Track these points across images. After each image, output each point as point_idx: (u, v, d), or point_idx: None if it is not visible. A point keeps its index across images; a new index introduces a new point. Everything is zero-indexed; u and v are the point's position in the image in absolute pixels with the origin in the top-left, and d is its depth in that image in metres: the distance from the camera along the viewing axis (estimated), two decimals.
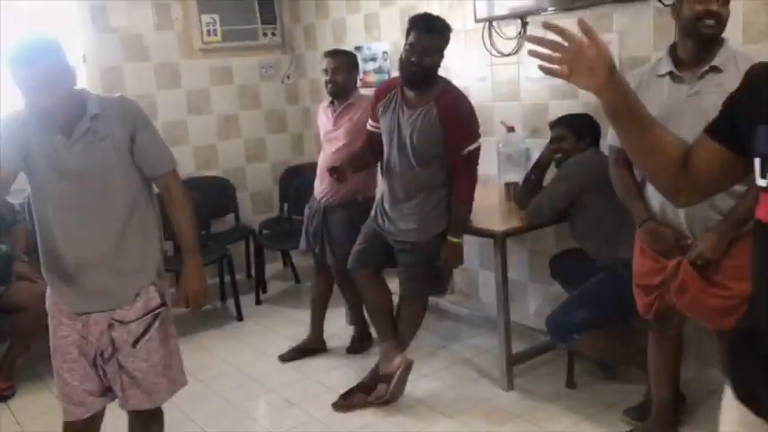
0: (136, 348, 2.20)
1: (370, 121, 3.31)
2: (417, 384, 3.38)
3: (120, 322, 2.19)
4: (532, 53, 1.30)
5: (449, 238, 3.09)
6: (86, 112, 2.11)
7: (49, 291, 2.24)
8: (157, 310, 2.24)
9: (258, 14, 5.26)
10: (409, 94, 3.10)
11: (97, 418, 2.28)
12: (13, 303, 3.63)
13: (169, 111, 5.06)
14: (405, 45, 3.01)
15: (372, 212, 3.37)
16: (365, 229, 3.36)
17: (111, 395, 2.28)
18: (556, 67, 1.28)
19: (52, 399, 3.58)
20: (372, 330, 3.81)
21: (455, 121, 3.02)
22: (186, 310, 2.34)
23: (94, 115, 2.11)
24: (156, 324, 2.24)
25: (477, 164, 3.10)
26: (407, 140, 3.07)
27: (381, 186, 3.35)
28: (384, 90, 3.23)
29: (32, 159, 2.10)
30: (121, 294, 2.19)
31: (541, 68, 1.30)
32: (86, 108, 2.12)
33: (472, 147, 3.05)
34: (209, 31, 5.08)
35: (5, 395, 3.60)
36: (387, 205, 3.23)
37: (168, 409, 2.44)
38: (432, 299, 3.51)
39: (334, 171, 3.18)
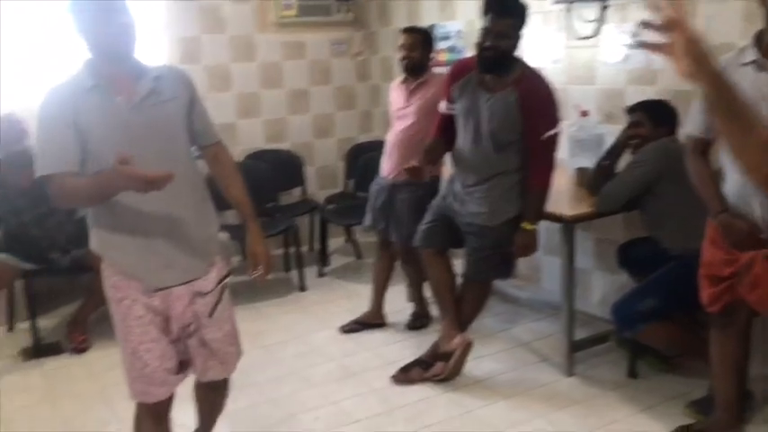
0: (212, 318, 2.19)
1: (444, 103, 3.25)
2: (476, 365, 3.39)
3: (200, 294, 2.15)
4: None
5: (523, 224, 3.05)
6: (147, 73, 2.04)
7: (109, 273, 2.09)
8: (226, 279, 2.25)
9: None
10: (487, 77, 3.04)
11: (172, 398, 2.23)
12: (88, 262, 3.79)
13: (242, 83, 5.15)
14: (481, 28, 2.99)
15: (442, 191, 3.37)
16: (433, 208, 3.37)
17: (186, 372, 2.25)
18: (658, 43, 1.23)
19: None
20: (432, 309, 3.86)
21: (536, 105, 2.97)
22: (252, 277, 2.29)
23: (157, 76, 2.05)
24: (226, 293, 2.25)
25: (556, 149, 3.04)
26: (485, 124, 3.03)
27: (451, 167, 3.33)
28: (459, 70, 3.16)
29: (89, 130, 1.95)
30: (199, 265, 2.15)
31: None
32: (145, 69, 2.06)
33: (552, 132, 2.99)
34: (285, 5, 5.14)
35: (81, 348, 3.78)
36: (457, 187, 3.22)
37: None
38: (494, 283, 3.50)
39: (412, 171, 3.18)
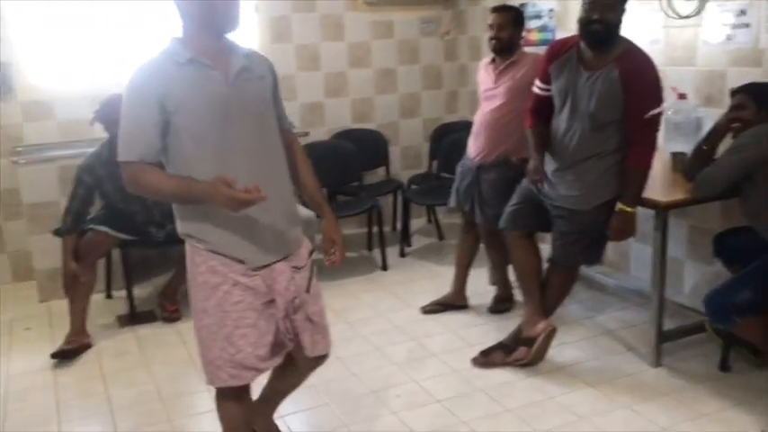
0: (309, 294, 2.19)
1: (538, 83, 3.17)
2: (559, 351, 3.35)
3: (296, 268, 2.14)
4: None
5: (621, 206, 2.94)
6: (237, 49, 2.04)
7: (204, 258, 2.03)
8: (313, 254, 2.28)
9: None
10: (587, 54, 2.95)
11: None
12: (178, 236, 3.93)
13: (331, 62, 5.21)
14: (583, 3, 2.89)
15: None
16: (521, 190, 3.32)
17: (280, 355, 2.18)
18: None
19: None
20: (515, 293, 3.82)
21: (639, 83, 2.85)
22: (327, 261, 2.29)
23: (246, 54, 2.06)
24: (314, 268, 2.26)
25: (658, 130, 2.93)
26: (584, 104, 2.94)
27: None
28: (558, 50, 3.07)
29: (182, 104, 1.93)
30: (294, 240, 2.15)
31: None
32: (235, 45, 2.05)
33: (655, 111, 2.88)
34: None
35: (173, 318, 3.94)
36: (548, 168, 3.17)
37: None
38: (580, 269, 3.43)
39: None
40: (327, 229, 2.29)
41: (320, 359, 2.33)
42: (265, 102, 2.09)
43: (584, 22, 2.89)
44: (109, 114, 3.61)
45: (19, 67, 4.42)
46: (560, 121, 3.07)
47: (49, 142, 4.48)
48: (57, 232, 3.73)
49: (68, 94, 4.54)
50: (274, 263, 2.08)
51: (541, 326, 3.19)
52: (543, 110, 3.17)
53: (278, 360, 2.17)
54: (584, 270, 3.93)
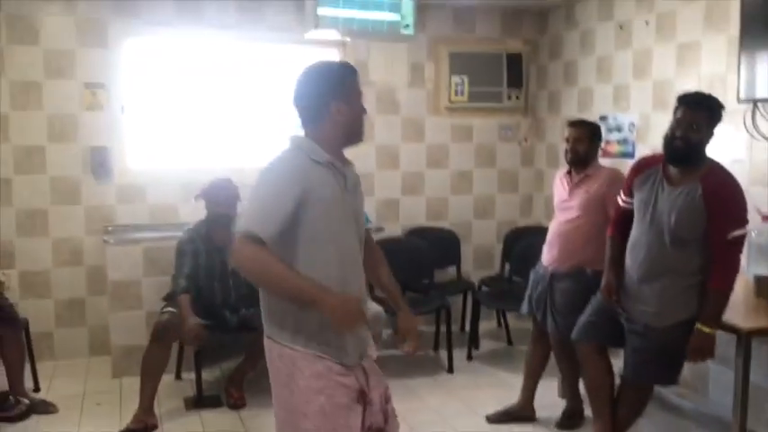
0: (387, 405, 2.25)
1: (622, 197, 3.20)
2: None
3: (374, 360, 2.25)
4: None
5: (700, 326, 2.86)
6: (350, 161, 2.20)
7: (307, 363, 2.05)
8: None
9: (505, 78, 5.43)
10: (672, 170, 2.96)
11: None
12: (253, 323, 4.01)
13: (410, 162, 5.36)
14: (671, 121, 2.93)
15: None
16: (596, 302, 3.27)
17: None
18: None
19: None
20: (586, 408, 3.69)
21: (723, 202, 2.84)
22: (403, 351, 2.30)
23: (351, 163, 2.20)
24: None
25: (741, 251, 2.88)
26: (664, 218, 2.93)
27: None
28: (644, 165, 3.12)
29: (317, 201, 2.01)
30: (369, 336, 2.25)
31: None
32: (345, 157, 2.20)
33: (738, 232, 2.84)
34: (456, 91, 5.33)
35: (238, 405, 3.97)
36: (627, 281, 3.12)
37: None
38: (655, 389, 3.30)
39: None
40: (402, 320, 2.32)
41: None
42: (362, 209, 2.25)
43: (668, 139, 2.92)
44: (212, 194, 3.92)
45: (117, 150, 4.73)
46: (640, 234, 3.05)
47: (138, 224, 4.72)
48: (168, 296, 3.97)
49: (160, 179, 4.80)
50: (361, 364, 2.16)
51: None
52: (625, 222, 3.17)
53: None
54: (660, 390, 3.78)
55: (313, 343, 2.04)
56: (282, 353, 2.08)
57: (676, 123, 2.89)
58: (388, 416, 2.22)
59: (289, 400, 2.08)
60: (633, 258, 3.08)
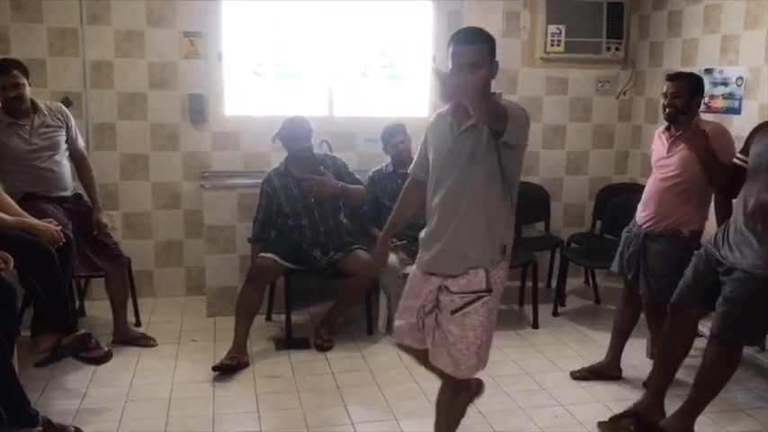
0: (452, 316, 2.46)
1: (738, 155, 3.13)
2: None
3: (447, 289, 2.48)
4: None
5: None
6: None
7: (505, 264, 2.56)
8: (480, 294, 2.45)
9: (605, 28, 5.20)
10: None
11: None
12: (344, 269, 4.12)
13: None
14: None
15: (707, 249, 3.15)
16: (695, 266, 3.16)
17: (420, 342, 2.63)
18: None
19: (361, 359, 4.00)
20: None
21: None
22: None
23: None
24: (477, 305, 2.45)
25: None
26: None
27: (734, 213, 3.09)
28: (763, 128, 3.04)
29: (431, 145, 2.57)
30: (453, 265, 2.47)
31: None
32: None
33: None
34: (552, 41, 5.15)
35: (326, 346, 4.10)
36: (731, 231, 3.01)
37: None
38: (750, 354, 3.18)
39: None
40: None
41: (453, 386, 2.64)
42: (476, 149, 2.42)
43: None
44: (286, 131, 4.15)
45: (213, 98, 4.86)
46: (748, 191, 2.95)
47: (232, 170, 4.87)
48: (249, 240, 4.29)
49: (254, 128, 4.91)
50: (432, 274, 2.52)
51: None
52: (735, 181, 3.09)
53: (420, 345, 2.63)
54: (756, 357, 3.64)
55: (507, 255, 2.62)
56: (496, 268, 2.52)
57: None
58: (425, 327, 2.61)
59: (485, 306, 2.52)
60: (748, 210, 2.95)
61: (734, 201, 3.11)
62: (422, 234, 2.59)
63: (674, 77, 3.50)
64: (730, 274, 2.95)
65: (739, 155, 3.12)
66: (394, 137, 4.42)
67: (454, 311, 2.46)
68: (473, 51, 2.31)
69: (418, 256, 2.60)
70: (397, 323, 2.69)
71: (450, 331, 2.47)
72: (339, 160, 4.38)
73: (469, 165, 2.40)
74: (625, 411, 3.22)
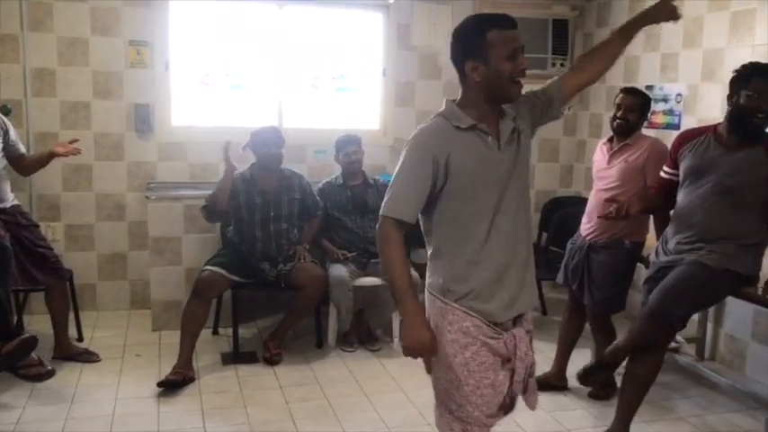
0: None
1: (665, 169, 3.24)
2: None
3: (528, 332, 2.17)
4: None
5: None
6: (507, 114, 2.06)
7: (457, 318, 2.05)
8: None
9: (551, 44, 5.32)
10: (729, 138, 3.00)
11: None
12: (294, 282, 4.09)
13: None
14: (742, 93, 2.91)
15: (652, 258, 3.24)
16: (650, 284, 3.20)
17: (506, 413, 2.20)
18: None
19: (310, 372, 3.97)
20: (618, 380, 3.67)
21: None
22: None
23: (515, 116, 2.06)
24: None
25: None
26: (726, 180, 2.95)
27: (672, 226, 3.18)
28: (688, 137, 3.17)
29: (462, 168, 1.98)
30: (529, 300, 2.15)
31: None
32: (504, 109, 2.06)
33: None
34: None
35: (274, 360, 4.05)
36: (672, 244, 3.11)
37: None
38: (690, 363, 3.26)
39: (617, 210, 3.11)
40: None
41: None
42: (528, 164, 2.14)
43: (744, 113, 2.92)
44: (261, 138, 4.12)
45: (160, 108, 4.78)
46: (694, 198, 3.05)
47: (179, 181, 4.79)
48: (202, 208, 4.20)
49: (201, 138, 4.85)
50: (514, 327, 2.11)
51: None
52: (666, 193, 3.23)
53: (501, 418, 2.19)
54: (695, 365, 3.75)
55: (464, 299, 2.05)
56: (434, 304, 2.10)
57: (756, 97, 2.88)
58: (528, 388, 2.19)
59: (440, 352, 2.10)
60: (684, 223, 3.07)
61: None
62: (481, 282, 2.04)
63: (630, 92, 3.60)
64: (678, 264, 3.03)
65: (667, 168, 3.25)
66: (348, 146, 4.42)
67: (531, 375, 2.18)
68: (519, 35, 1.98)
69: (497, 312, 2.06)
70: (486, 413, 2.10)
71: (531, 372, 2.20)
72: (304, 179, 4.38)
73: (519, 178, 2.07)
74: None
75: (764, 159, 2.91)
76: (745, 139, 2.96)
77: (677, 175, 3.17)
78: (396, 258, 2.01)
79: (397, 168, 2.03)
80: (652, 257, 3.27)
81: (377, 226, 2.06)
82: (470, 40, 1.99)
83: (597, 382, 3.39)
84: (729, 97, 3.01)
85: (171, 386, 3.64)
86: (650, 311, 2.98)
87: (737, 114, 2.95)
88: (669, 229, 3.18)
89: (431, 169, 1.97)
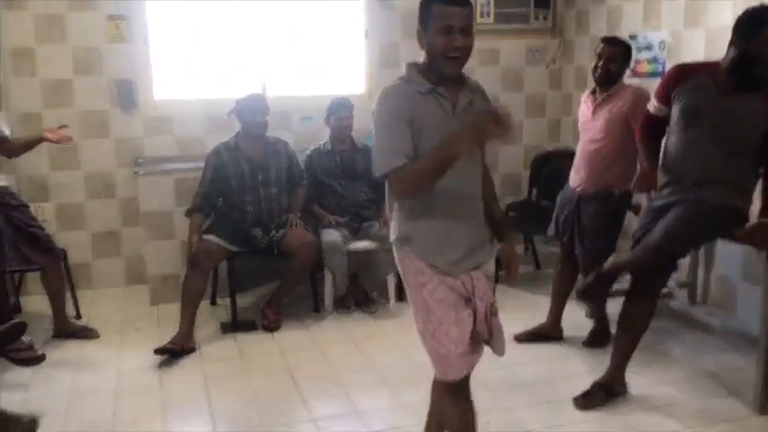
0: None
1: (655, 102, 3.17)
2: (656, 389, 3.27)
3: (489, 277, 2.27)
4: None
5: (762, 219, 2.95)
6: (466, 84, 2.15)
7: (412, 260, 2.18)
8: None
9: None
10: (729, 83, 2.94)
11: (468, 376, 2.31)
12: (287, 248, 4.11)
13: None
14: (752, 40, 2.81)
15: (644, 203, 3.26)
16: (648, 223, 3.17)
17: (478, 354, 2.28)
18: None
19: (309, 337, 4.02)
20: (612, 327, 3.74)
21: None
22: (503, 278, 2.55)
23: (474, 88, 2.17)
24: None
25: None
26: (721, 127, 2.94)
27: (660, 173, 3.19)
28: (686, 73, 3.07)
29: (421, 130, 2.06)
30: (488, 250, 2.26)
31: None
32: (464, 80, 2.16)
33: None
34: (482, 12, 5.21)
35: (273, 327, 4.10)
36: (666, 187, 3.11)
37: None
38: (683, 308, 3.30)
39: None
40: (506, 248, 2.39)
41: None
42: None
43: (747, 63, 2.85)
44: (247, 105, 4.13)
45: (142, 83, 4.74)
46: (690, 141, 3.03)
47: (166, 155, 4.78)
48: (187, 212, 4.16)
49: (186, 111, 4.83)
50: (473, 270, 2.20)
51: None
52: (655, 129, 3.20)
53: (476, 359, 2.27)
54: (688, 309, 3.82)
55: (418, 247, 2.16)
56: (396, 255, 2.25)
57: (762, 46, 2.80)
58: (492, 330, 2.27)
59: (408, 296, 2.25)
60: (679, 167, 3.07)
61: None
62: (426, 239, 2.17)
63: (610, 41, 3.59)
64: (676, 205, 3.03)
65: (656, 103, 3.16)
66: (341, 111, 4.41)
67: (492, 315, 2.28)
68: (465, 14, 2.04)
69: (445, 267, 2.17)
70: (455, 351, 2.19)
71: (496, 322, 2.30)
72: (290, 146, 4.39)
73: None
74: (594, 386, 3.20)
75: (763, 107, 2.89)
76: (746, 86, 2.91)
77: (665, 113, 3.12)
78: (419, 164, 2.02)
79: (375, 131, 2.10)
80: (644, 203, 3.28)
81: (386, 193, 2.16)
82: (421, 8, 2.08)
83: (597, 298, 3.34)
84: (733, 42, 2.90)
85: (169, 353, 3.68)
86: (655, 245, 2.96)
87: (742, 62, 2.86)
88: (661, 173, 3.16)
89: (405, 124, 2.05)
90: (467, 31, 2.03)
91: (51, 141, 3.82)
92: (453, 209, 2.16)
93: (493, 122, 1.92)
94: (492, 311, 2.26)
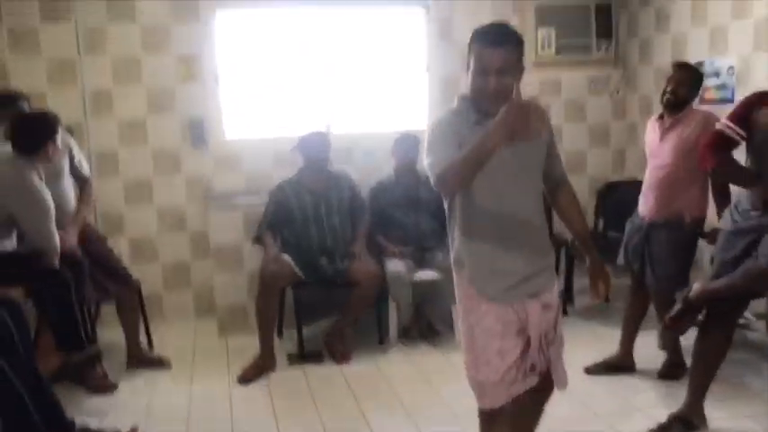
0: (556, 333, 2.29)
1: (729, 123, 2.99)
2: (735, 424, 3.14)
3: (547, 306, 2.23)
4: None
5: None
6: None
7: (465, 283, 2.22)
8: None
9: (594, 27, 5.28)
10: None
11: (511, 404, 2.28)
12: (352, 279, 4.15)
13: None
14: None
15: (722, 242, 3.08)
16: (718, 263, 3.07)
17: (527, 382, 2.24)
18: None
19: (376, 369, 4.01)
20: (687, 358, 3.62)
21: None
22: (592, 300, 2.57)
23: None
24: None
25: None
26: None
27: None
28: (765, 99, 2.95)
29: None
30: (547, 278, 2.25)
31: None
32: None
33: None
34: (543, 44, 5.23)
35: (342, 360, 4.11)
36: (743, 208, 3.00)
37: None
38: (761, 339, 3.18)
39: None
40: (594, 266, 2.37)
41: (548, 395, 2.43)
42: (535, 163, 2.24)
43: None
44: (309, 142, 4.26)
45: (212, 120, 4.91)
46: None
47: (235, 190, 4.91)
48: (255, 239, 4.29)
49: (255, 149, 4.96)
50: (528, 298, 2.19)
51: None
52: (726, 151, 3.03)
53: (519, 389, 2.23)
54: (767, 340, 3.66)
55: (469, 271, 2.21)
56: (455, 278, 2.29)
57: None
58: (550, 362, 2.26)
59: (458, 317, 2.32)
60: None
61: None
62: (480, 257, 2.19)
63: (681, 66, 3.56)
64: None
65: (730, 124, 3.00)
66: (412, 150, 4.47)
67: (555, 327, 2.29)
68: (502, 55, 2.03)
69: (491, 287, 2.18)
70: (492, 380, 2.20)
71: (555, 351, 2.30)
72: (352, 179, 4.50)
73: (522, 171, 2.18)
74: (671, 419, 3.10)
75: None
76: None
77: (740, 135, 2.96)
78: (461, 157, 1.97)
79: (427, 150, 2.12)
80: (721, 224, 3.15)
81: (446, 214, 2.25)
82: (468, 47, 2.12)
83: (689, 325, 3.14)
84: None
85: (251, 380, 3.85)
86: (760, 271, 2.81)
87: None
88: (743, 195, 3.02)
89: (455, 144, 2.05)
90: (504, 72, 2.03)
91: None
92: (506, 234, 2.16)
93: (517, 113, 1.83)
94: (548, 341, 2.24)
